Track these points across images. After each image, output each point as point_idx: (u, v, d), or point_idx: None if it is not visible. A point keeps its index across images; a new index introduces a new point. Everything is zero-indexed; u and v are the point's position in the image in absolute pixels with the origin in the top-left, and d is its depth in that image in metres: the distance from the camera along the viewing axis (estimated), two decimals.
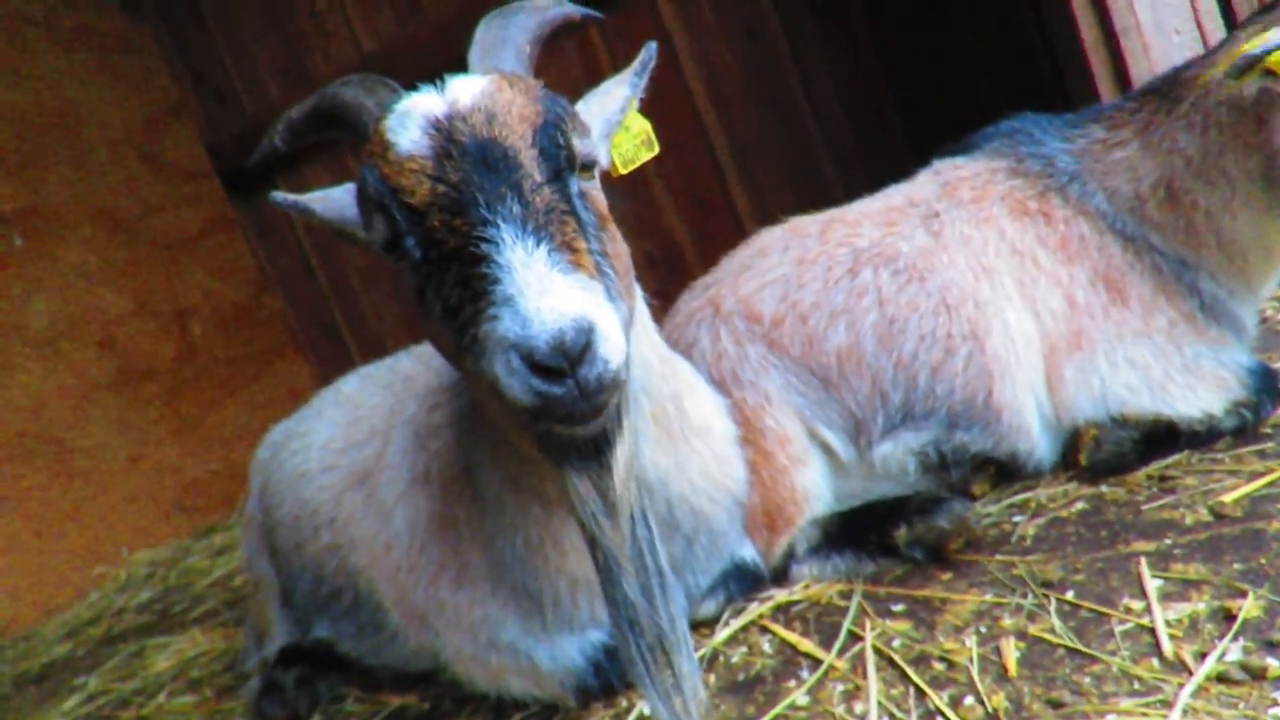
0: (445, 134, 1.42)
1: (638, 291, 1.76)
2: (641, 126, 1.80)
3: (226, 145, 5.69)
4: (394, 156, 1.44)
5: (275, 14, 5.43)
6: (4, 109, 4.81)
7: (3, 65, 4.85)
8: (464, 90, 1.49)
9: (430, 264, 1.41)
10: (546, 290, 1.26)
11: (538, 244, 1.32)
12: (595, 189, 1.58)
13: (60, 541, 4.51)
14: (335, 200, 1.74)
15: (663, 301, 2.63)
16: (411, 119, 1.46)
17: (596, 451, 1.41)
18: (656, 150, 1.81)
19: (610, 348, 1.26)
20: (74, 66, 5.17)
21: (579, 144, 1.52)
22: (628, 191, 4.89)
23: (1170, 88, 2.23)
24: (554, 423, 1.30)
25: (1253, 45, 1.98)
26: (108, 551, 4.65)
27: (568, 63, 4.73)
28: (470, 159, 1.39)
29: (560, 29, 1.79)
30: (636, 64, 1.81)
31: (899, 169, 2.57)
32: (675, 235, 4.95)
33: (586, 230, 1.44)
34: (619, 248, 1.57)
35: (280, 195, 1.79)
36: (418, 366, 2.42)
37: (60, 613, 4.33)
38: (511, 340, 1.24)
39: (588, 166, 1.55)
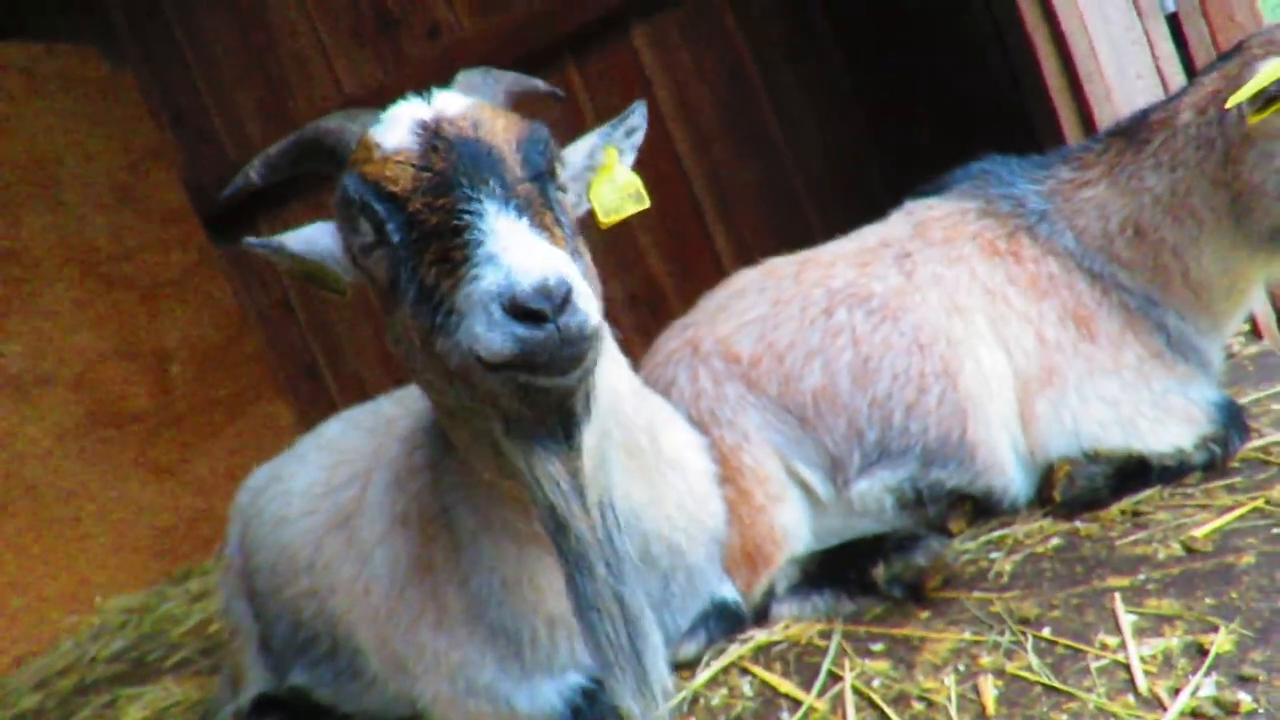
0: (432, 131, 1.49)
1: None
2: (629, 180, 1.85)
3: (208, 187, 5.70)
4: (379, 156, 1.49)
5: (258, 57, 5.49)
6: None
7: None
8: (451, 101, 1.57)
9: (408, 246, 1.44)
10: (529, 247, 1.31)
11: (519, 217, 1.37)
12: (570, 204, 1.66)
13: (32, 588, 4.42)
14: (307, 236, 1.74)
15: (644, 339, 2.65)
16: (399, 122, 1.52)
17: (566, 433, 1.45)
18: (646, 204, 1.85)
19: (587, 305, 1.29)
20: (55, 111, 5.18)
21: (558, 165, 1.60)
22: (609, 232, 4.91)
23: (1137, 130, 2.29)
24: (533, 373, 1.31)
25: (1277, 74, 1.93)
26: (81, 598, 4.56)
27: (549, 106, 4.79)
28: (456, 151, 1.45)
29: (530, 97, 1.88)
30: (618, 118, 1.87)
31: (875, 206, 2.62)
32: (656, 275, 4.99)
33: (564, 226, 1.51)
34: (589, 260, 1.62)
35: (253, 239, 1.78)
36: (399, 410, 2.42)
37: (31, 661, 4.24)
38: (495, 291, 1.27)
39: (562, 189, 1.62)
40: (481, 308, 1.28)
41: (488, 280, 1.29)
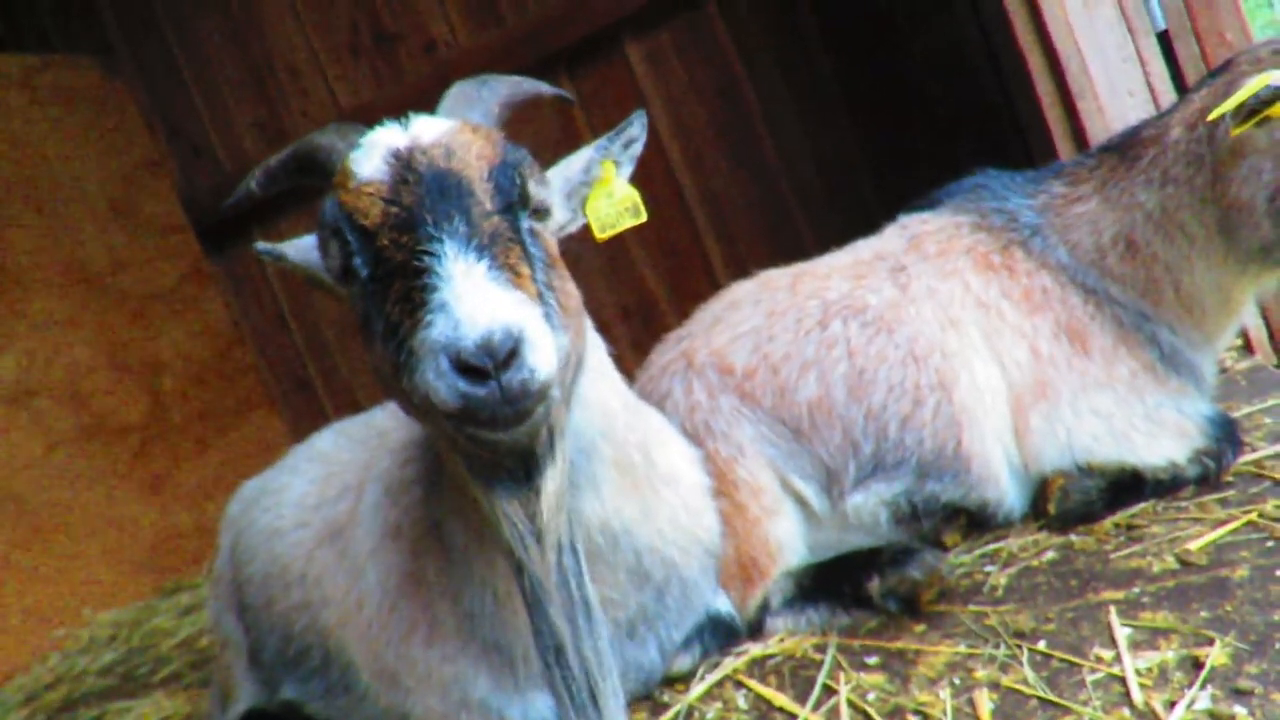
0: (404, 162, 1.48)
1: (595, 338, 1.80)
2: (627, 193, 1.83)
3: (203, 200, 5.70)
4: (354, 184, 1.49)
5: (254, 71, 5.50)
6: None
7: None
8: (427, 127, 1.55)
9: (376, 282, 1.45)
10: (481, 298, 1.30)
11: (479, 259, 1.36)
12: (547, 233, 1.63)
13: (20, 602, 4.38)
14: (304, 246, 1.79)
15: (638, 352, 2.65)
16: (374, 150, 1.51)
17: (527, 475, 1.45)
18: (643, 218, 1.83)
19: (539, 358, 1.29)
20: (50, 123, 5.18)
21: (534, 188, 1.57)
22: (602, 246, 4.93)
23: (1128, 145, 2.30)
24: (476, 427, 1.32)
25: (1258, 87, 1.94)
26: (70, 612, 4.52)
27: (545, 122, 4.82)
28: (424, 185, 1.44)
29: (530, 102, 1.85)
30: (615, 130, 1.85)
31: (866, 217, 2.63)
32: (650, 288, 5.00)
33: (533, 261, 1.48)
34: (569, 287, 1.60)
35: (261, 245, 1.84)
36: (392, 422, 2.41)
37: (18, 676, 4.20)
38: (442, 343, 1.27)
39: (540, 211, 1.59)
40: (432, 356, 1.29)
41: (437, 329, 1.29)
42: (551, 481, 1.47)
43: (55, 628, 4.44)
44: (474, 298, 1.30)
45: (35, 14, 5.91)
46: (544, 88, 1.87)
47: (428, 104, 1.72)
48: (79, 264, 5.11)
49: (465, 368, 1.25)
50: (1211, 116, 2.03)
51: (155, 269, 5.49)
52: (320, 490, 2.41)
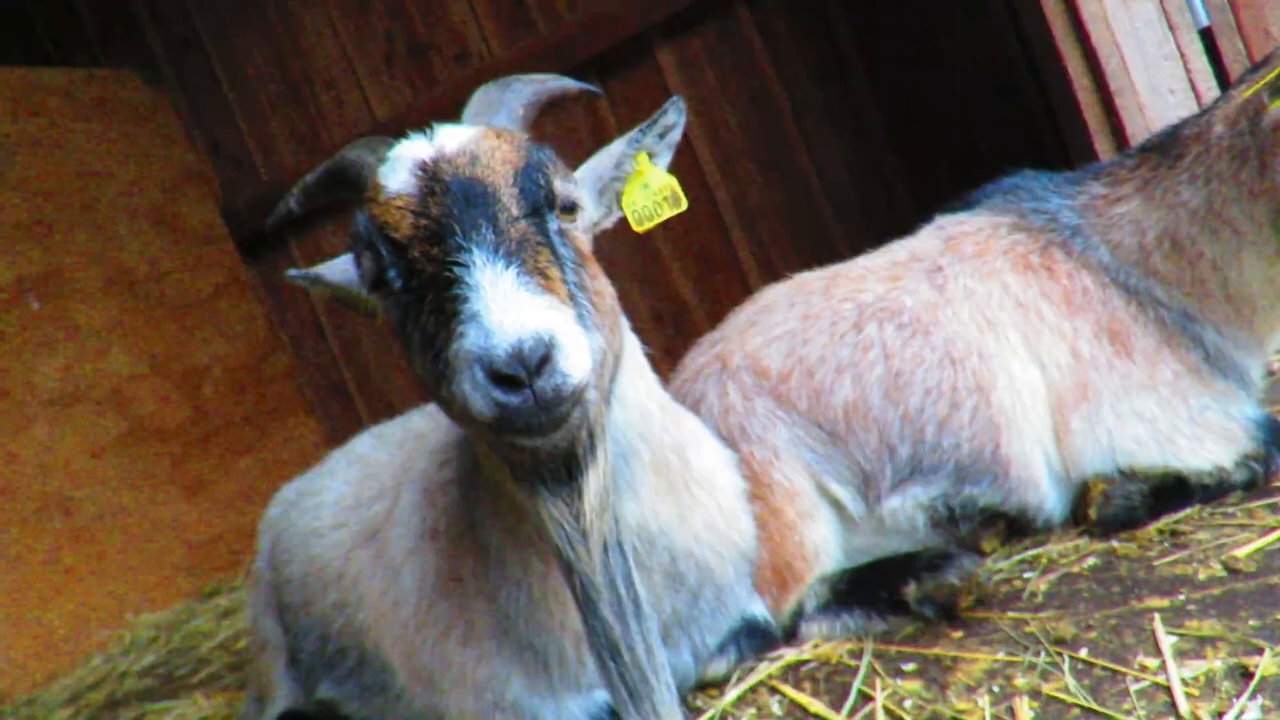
0: (430, 174, 1.49)
1: (631, 338, 1.80)
2: (664, 182, 1.83)
3: (242, 210, 5.80)
4: (383, 198, 1.51)
5: (291, 84, 5.60)
6: (25, 177, 4.91)
7: (25, 135, 4.98)
8: (451, 137, 1.57)
9: (410, 293, 1.47)
10: (510, 306, 1.31)
11: (507, 267, 1.38)
12: (576, 230, 1.64)
13: (64, 604, 4.47)
14: (340, 265, 1.82)
15: (670, 358, 2.65)
16: (402, 163, 1.53)
17: (569, 475, 1.46)
18: (684, 206, 1.84)
19: (572, 363, 1.30)
20: (94, 135, 5.30)
21: (560, 186, 1.58)
22: (634, 249, 4.95)
23: (1170, 144, 2.26)
24: (514, 435, 1.33)
25: None
26: (112, 614, 4.61)
27: (575, 127, 4.84)
28: (451, 195, 1.46)
29: (558, 99, 1.86)
30: (648, 121, 1.85)
31: (900, 224, 2.61)
32: (682, 292, 5.00)
33: (563, 263, 1.49)
34: (601, 286, 1.60)
35: (294, 271, 1.89)
36: (429, 424, 2.43)
37: (62, 677, 4.28)
38: (475, 353, 1.29)
39: (568, 209, 1.60)
40: (467, 367, 1.30)
41: (469, 340, 1.31)
42: (594, 481, 1.49)
43: (98, 630, 4.52)
44: (503, 306, 1.31)
45: (81, 31, 6.06)
46: (568, 83, 1.86)
47: (462, 112, 1.74)
48: (121, 273, 5.22)
49: (499, 377, 1.27)
50: (1246, 94, 1.99)
51: (195, 277, 5.60)
52: (357, 492, 2.44)
